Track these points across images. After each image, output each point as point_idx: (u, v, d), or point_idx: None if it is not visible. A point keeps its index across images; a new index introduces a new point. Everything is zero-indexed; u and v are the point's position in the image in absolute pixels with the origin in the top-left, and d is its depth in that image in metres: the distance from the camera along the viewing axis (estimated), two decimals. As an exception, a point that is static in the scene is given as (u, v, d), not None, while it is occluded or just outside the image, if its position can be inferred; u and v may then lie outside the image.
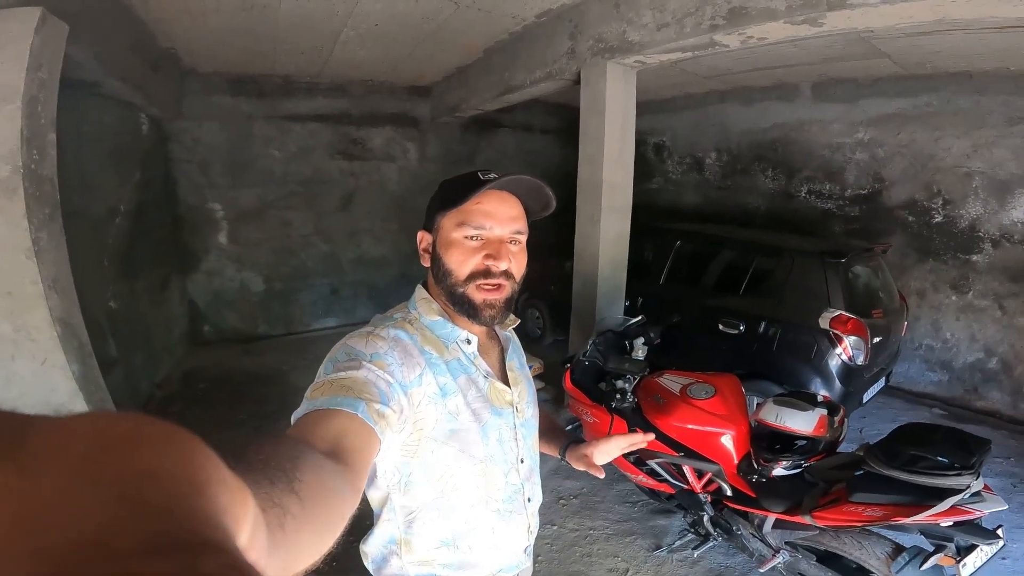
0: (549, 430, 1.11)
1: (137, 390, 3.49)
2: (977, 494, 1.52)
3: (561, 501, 2.71)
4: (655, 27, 2.68)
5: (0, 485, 0.15)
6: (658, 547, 2.35)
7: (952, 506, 1.49)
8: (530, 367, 3.60)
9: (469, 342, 0.85)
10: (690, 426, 1.96)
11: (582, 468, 1.02)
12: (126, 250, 3.49)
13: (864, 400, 3.17)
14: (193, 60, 4.07)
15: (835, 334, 2.85)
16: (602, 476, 0.99)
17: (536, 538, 2.47)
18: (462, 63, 4.45)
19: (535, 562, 2.15)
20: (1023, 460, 3.12)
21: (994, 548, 1.66)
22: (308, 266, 5.17)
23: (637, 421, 2.05)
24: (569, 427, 2.36)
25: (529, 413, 0.96)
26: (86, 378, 1.95)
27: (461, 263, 0.79)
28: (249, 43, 3.67)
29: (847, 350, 2.84)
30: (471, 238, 0.79)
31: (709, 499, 2.10)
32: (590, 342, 2.31)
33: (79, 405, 1.90)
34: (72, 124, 2.45)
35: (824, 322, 2.89)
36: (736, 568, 2.22)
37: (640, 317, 2.28)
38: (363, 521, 0.77)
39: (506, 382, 0.91)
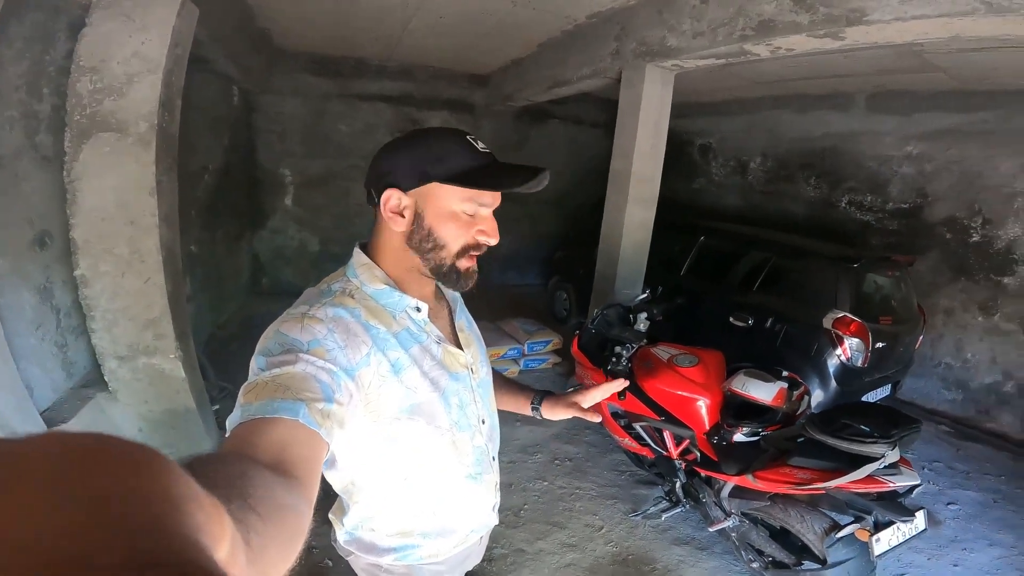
0: (510, 387, 1.13)
1: (202, 326, 3.90)
2: (894, 467, 1.68)
3: (556, 462, 2.94)
4: (692, 35, 2.86)
5: None
6: (634, 511, 2.55)
7: (869, 475, 1.65)
8: (548, 341, 3.96)
9: (419, 310, 0.82)
10: (671, 390, 2.18)
11: (558, 416, 1.07)
12: (210, 204, 3.99)
13: (863, 404, 3.26)
14: (284, 40, 4.57)
15: (836, 334, 2.97)
16: (597, 419, 1.06)
17: (526, 490, 2.78)
18: (518, 55, 4.74)
19: (521, 511, 2.47)
20: (1015, 481, 3.15)
21: (910, 528, 1.81)
22: (362, 233, 5.56)
23: (629, 385, 2.29)
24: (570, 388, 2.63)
25: (484, 372, 0.95)
26: (175, 299, 2.33)
27: (458, 237, 0.77)
28: (334, 27, 4.11)
29: (846, 351, 2.95)
30: (468, 213, 0.76)
31: (683, 466, 2.30)
32: (599, 311, 2.55)
33: (166, 323, 2.26)
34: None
35: (828, 322, 3.02)
36: (700, 540, 2.40)
37: (647, 293, 2.49)
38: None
39: (458, 345, 0.89)
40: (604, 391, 1.04)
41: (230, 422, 0.57)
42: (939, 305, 3.97)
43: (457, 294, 0.97)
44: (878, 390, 3.30)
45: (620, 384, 1.05)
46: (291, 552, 0.39)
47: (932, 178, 4.06)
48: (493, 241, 0.79)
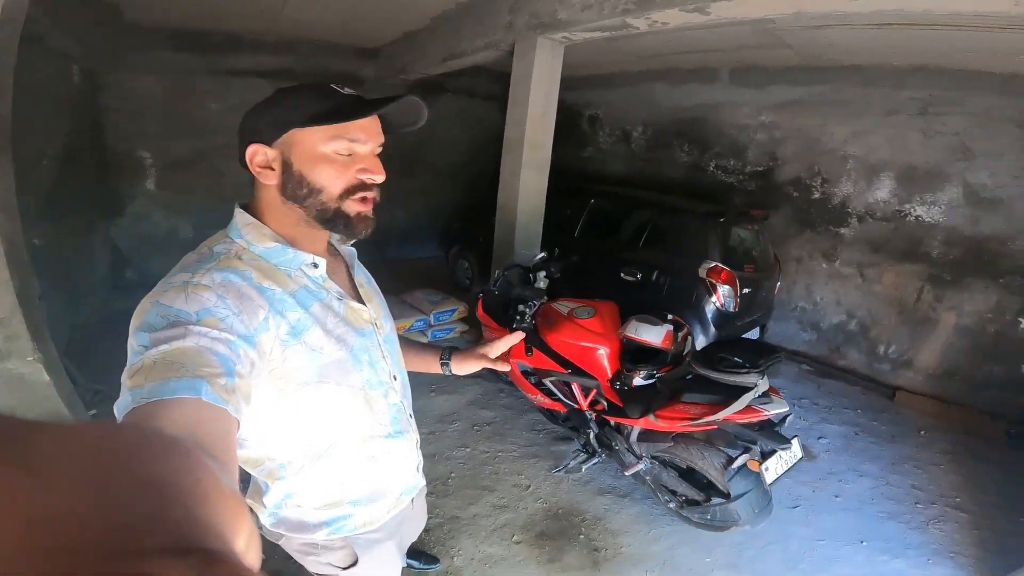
0: (416, 347, 1.14)
1: (59, 328, 3.49)
2: (767, 396, 1.91)
3: (476, 428, 3.00)
4: (580, 7, 2.96)
5: (12, 486, 0.15)
6: (556, 467, 2.67)
7: (749, 406, 1.87)
8: (454, 310, 3.95)
9: (316, 266, 0.78)
10: (573, 342, 2.30)
11: (468, 370, 1.09)
12: (53, 193, 3.47)
13: (738, 347, 3.72)
14: (137, 15, 4.04)
15: (711, 283, 3.35)
16: (506, 368, 1.09)
17: (450, 459, 2.80)
18: (411, 28, 4.59)
19: (448, 479, 2.50)
20: (870, 413, 3.66)
21: (790, 456, 2.07)
22: (244, 216, 5.20)
23: (534, 340, 2.38)
24: None
25: (388, 327, 0.93)
26: (25, 296, 2.02)
27: (334, 179, 0.73)
28: (198, 1, 3.69)
29: (720, 297, 3.34)
30: (343, 153, 0.73)
31: (594, 416, 2.43)
32: (500, 273, 2.61)
33: (17, 322, 1.96)
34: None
35: (702, 271, 3.38)
36: (621, 488, 2.57)
37: (543, 254, 2.60)
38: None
39: (360, 300, 0.87)
40: (507, 342, 1.07)
41: (120, 407, 0.51)
42: (791, 254, 4.57)
43: (353, 250, 0.94)
44: (749, 333, 3.77)
45: (519, 336, 1.08)
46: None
47: (781, 144, 4.61)
48: (379, 178, 0.76)
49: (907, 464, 3.06)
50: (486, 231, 4.27)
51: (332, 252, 0.88)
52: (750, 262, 3.67)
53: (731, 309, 3.39)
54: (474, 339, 4.08)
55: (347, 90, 0.75)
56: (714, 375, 1.92)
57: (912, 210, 3.92)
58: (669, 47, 4.47)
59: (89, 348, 3.49)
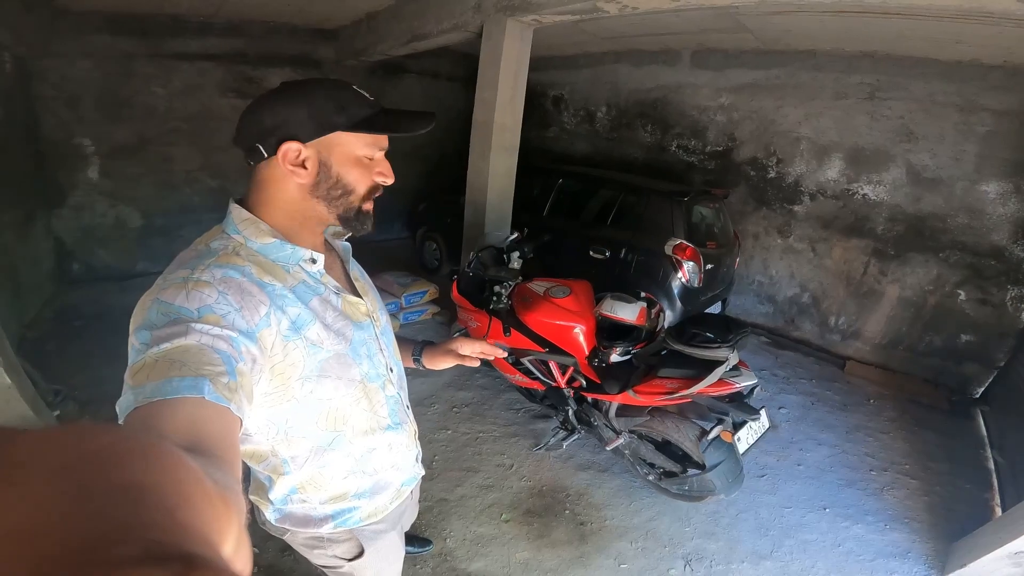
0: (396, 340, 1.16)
1: (7, 328, 3.28)
2: (736, 369, 1.99)
3: (455, 409, 3.03)
4: (551, -11, 2.93)
5: None
6: (536, 446, 2.73)
7: (721, 379, 1.95)
8: (424, 292, 3.93)
9: (315, 261, 0.79)
10: (550, 321, 2.35)
11: (439, 366, 1.09)
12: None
13: (703, 321, 3.86)
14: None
15: (676, 259, 3.47)
16: (476, 364, 1.08)
17: (433, 442, 2.81)
18: (372, 9, 4.45)
19: (432, 462, 2.52)
20: (823, 383, 3.88)
21: (759, 426, 2.18)
22: (194, 201, 4.97)
23: (511, 321, 2.41)
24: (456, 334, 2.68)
25: (384, 320, 0.94)
26: None
27: (362, 181, 0.77)
28: None
29: (685, 273, 3.47)
30: (370, 157, 0.78)
31: (572, 394, 2.48)
32: (473, 254, 2.61)
33: None
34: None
35: (668, 248, 3.49)
36: (600, 463, 2.66)
37: (516, 234, 2.61)
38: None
39: (357, 294, 0.88)
40: (482, 347, 1.08)
41: (122, 407, 0.50)
42: (748, 231, 4.77)
43: (348, 245, 0.95)
44: (712, 307, 3.93)
45: (500, 351, 1.10)
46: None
47: (738, 125, 4.76)
48: (390, 181, 0.80)
49: (860, 432, 3.28)
50: (453, 212, 4.23)
51: (327, 247, 0.89)
52: (712, 239, 3.81)
53: (696, 284, 3.52)
54: (447, 320, 4.09)
55: (367, 94, 0.78)
56: (688, 350, 2.01)
57: (859, 189, 4.15)
58: (633, 29, 4.51)
59: (41, 348, 3.32)
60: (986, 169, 3.58)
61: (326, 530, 0.89)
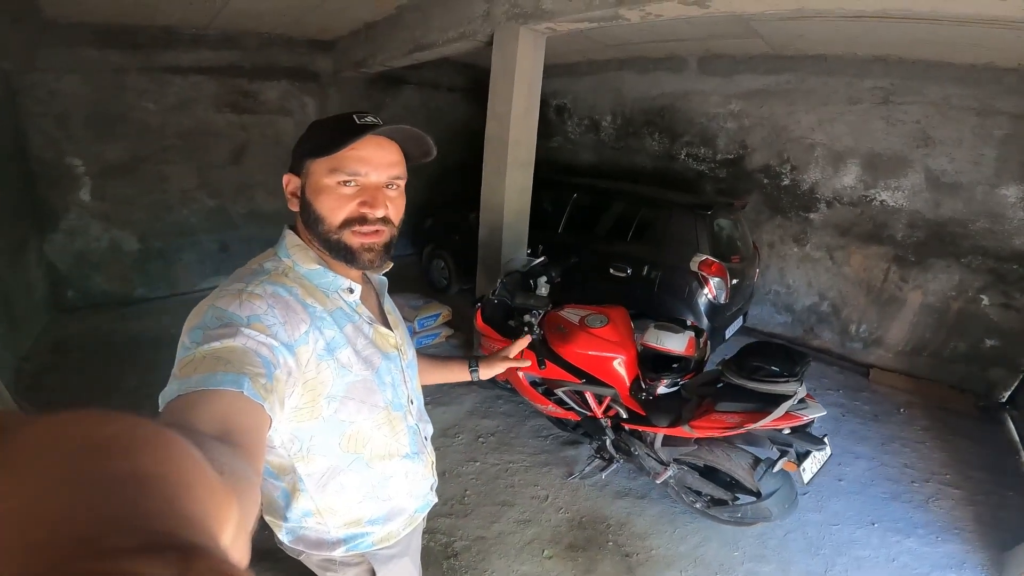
0: (440, 361, 1.21)
1: (6, 360, 3.12)
2: (803, 402, 1.90)
3: (480, 439, 2.91)
4: (568, -3, 2.82)
5: None
6: (570, 474, 2.61)
7: (787, 412, 1.85)
8: (438, 315, 3.78)
9: (352, 291, 0.83)
10: (588, 352, 2.24)
11: (494, 372, 1.18)
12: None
13: (726, 336, 3.76)
14: (57, 11, 3.63)
15: (703, 276, 3.36)
16: (527, 364, 1.19)
17: (461, 475, 2.71)
18: (371, 18, 4.31)
19: (464, 497, 2.39)
20: (849, 392, 3.81)
21: (823, 455, 2.08)
22: (192, 222, 4.80)
23: (544, 351, 2.30)
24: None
25: (411, 354, 0.97)
26: None
27: (333, 210, 0.76)
28: None
29: (712, 289, 3.36)
30: (345, 183, 0.75)
31: (609, 423, 2.38)
32: (498, 282, 2.49)
33: None
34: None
35: (694, 265, 3.39)
36: (637, 490, 2.56)
37: (543, 257, 2.50)
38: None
39: (387, 326, 0.91)
40: (520, 344, 1.18)
41: (165, 396, 0.54)
42: (763, 240, 4.70)
43: (384, 280, 1.00)
44: (736, 322, 3.84)
45: (526, 339, 1.20)
46: (248, 523, 0.37)
47: (749, 132, 4.70)
48: (378, 212, 0.77)
49: (895, 443, 3.20)
50: (460, 229, 4.09)
51: (364, 279, 0.92)
52: (735, 252, 3.72)
53: (723, 301, 3.42)
54: (460, 343, 3.96)
55: (368, 119, 0.76)
56: (751, 385, 1.90)
57: (877, 195, 4.09)
58: (639, 36, 4.42)
59: (39, 382, 3.17)
60: (1005, 173, 3.53)
61: (339, 553, 0.90)
